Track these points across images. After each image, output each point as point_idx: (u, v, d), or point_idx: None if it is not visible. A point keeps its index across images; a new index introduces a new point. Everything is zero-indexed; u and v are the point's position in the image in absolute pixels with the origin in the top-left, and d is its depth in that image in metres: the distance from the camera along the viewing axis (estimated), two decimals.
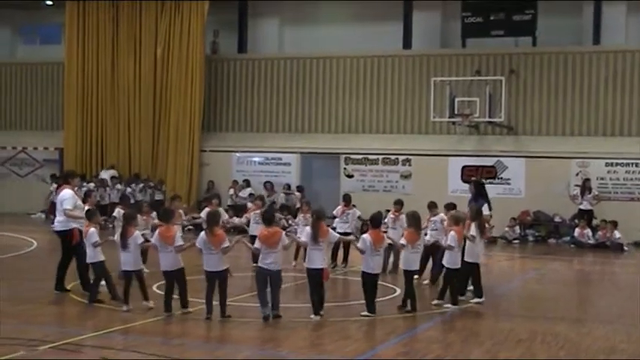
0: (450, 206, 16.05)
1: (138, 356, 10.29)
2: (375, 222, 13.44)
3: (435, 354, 10.80)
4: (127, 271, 13.26)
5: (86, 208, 15.09)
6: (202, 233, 12.73)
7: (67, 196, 14.94)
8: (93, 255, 13.90)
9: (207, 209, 16.79)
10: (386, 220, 17.33)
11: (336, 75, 30.31)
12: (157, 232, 13.21)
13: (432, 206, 17.19)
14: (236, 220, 20.82)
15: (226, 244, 12.57)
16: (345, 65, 30.20)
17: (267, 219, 12.99)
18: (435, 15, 29.72)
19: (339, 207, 19.21)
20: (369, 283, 13.08)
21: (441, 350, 11.04)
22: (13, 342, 10.72)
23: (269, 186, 29.09)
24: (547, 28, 27.66)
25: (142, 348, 10.74)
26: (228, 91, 31.73)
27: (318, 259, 12.75)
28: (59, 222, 15.05)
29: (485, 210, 16.02)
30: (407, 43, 29.77)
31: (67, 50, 32.49)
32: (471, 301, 14.32)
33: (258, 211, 18.28)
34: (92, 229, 13.95)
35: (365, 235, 13.22)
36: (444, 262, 14.29)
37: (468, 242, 14.33)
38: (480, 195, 16.55)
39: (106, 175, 30.87)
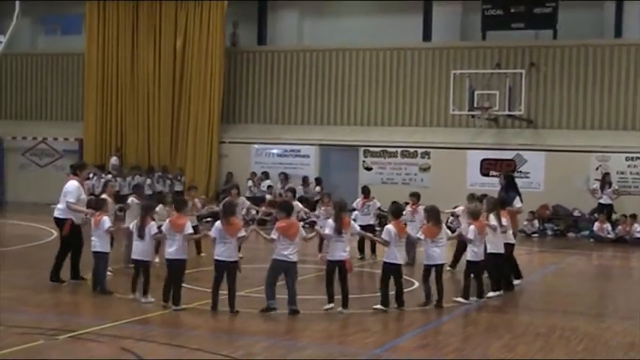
0: (484, 198, 15.89)
1: (156, 346, 10.33)
2: (395, 213, 13.41)
3: (453, 347, 10.80)
4: (136, 260, 13.36)
5: (103, 197, 15.40)
6: (218, 222, 12.69)
7: (70, 188, 15.04)
8: (100, 244, 14.02)
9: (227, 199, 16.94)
10: (404, 214, 17.27)
11: (355, 67, 30.25)
12: (167, 220, 13.22)
13: (471, 198, 17.16)
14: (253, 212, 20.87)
15: (242, 233, 12.56)
16: (364, 58, 30.14)
17: (286, 210, 12.93)
18: (455, 7, 29.59)
19: (359, 199, 19.18)
20: (392, 273, 13.01)
21: (460, 343, 11.04)
22: (34, 331, 10.80)
23: (283, 177, 29.11)
24: (568, 21, 27.48)
25: (160, 338, 10.80)
26: (247, 82, 31.74)
27: (341, 250, 12.71)
28: (59, 209, 15.15)
29: (517, 202, 16.00)
30: (427, 36, 29.70)
31: (88, 41, 32.58)
32: (489, 294, 14.26)
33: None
34: (105, 217, 14.08)
35: (389, 226, 13.15)
36: (467, 256, 14.23)
37: (490, 234, 14.31)
38: (510, 187, 16.46)
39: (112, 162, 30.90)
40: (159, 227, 13.44)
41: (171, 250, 12.82)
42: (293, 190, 20.98)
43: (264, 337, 11.18)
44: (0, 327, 11.02)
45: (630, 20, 27.61)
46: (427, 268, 13.48)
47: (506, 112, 26.45)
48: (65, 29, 35.09)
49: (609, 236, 25.02)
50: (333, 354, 10.24)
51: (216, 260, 12.54)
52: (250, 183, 29.30)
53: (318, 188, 28.17)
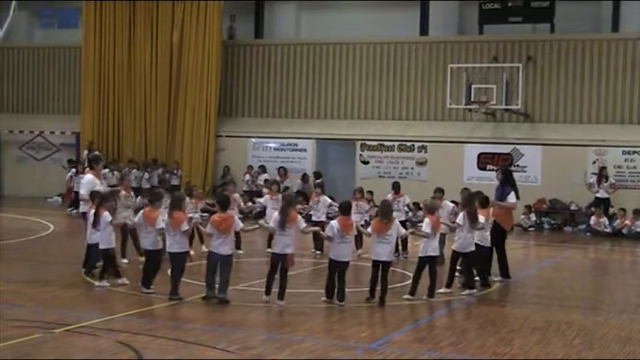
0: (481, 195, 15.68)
1: (153, 340, 10.34)
2: (344, 209, 13.22)
3: (449, 341, 10.81)
4: (100, 250, 14.05)
5: (120, 191, 16.07)
6: (165, 216, 13.13)
7: (84, 180, 15.71)
8: (89, 236, 14.42)
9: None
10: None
11: (352, 61, 30.23)
12: (141, 212, 13.61)
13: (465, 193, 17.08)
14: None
15: (185, 227, 12.85)
16: (361, 51, 30.12)
17: (222, 204, 13.05)
18: (452, 1, 29.56)
19: (390, 195, 18.99)
20: (334, 270, 12.81)
21: (456, 337, 11.04)
22: (30, 324, 10.82)
23: (282, 172, 29.07)
24: (565, 15, 27.47)
25: (157, 332, 10.82)
26: (244, 76, 31.71)
27: (284, 244, 12.64)
28: (83, 204, 15.90)
29: (511, 198, 15.84)
30: (424, 30, 29.67)
31: (84, 34, 32.51)
32: (462, 293, 13.97)
33: (316, 198, 18.51)
34: (92, 211, 14.38)
35: (333, 222, 13.09)
36: (420, 251, 13.76)
37: (457, 230, 14.22)
38: (507, 182, 16.29)
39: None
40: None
41: (147, 242, 13.36)
42: (321, 186, 20.83)
43: (260, 331, 11.22)
44: None
45: (627, 15, 27.58)
46: (375, 264, 13.08)
47: (504, 106, 26.45)
48: (62, 22, 35.07)
49: (606, 230, 25.04)
50: (330, 348, 10.25)
51: (169, 253, 13.04)
52: (247, 177, 29.27)
53: (318, 181, 28.13)
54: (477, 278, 14.61)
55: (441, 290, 13.94)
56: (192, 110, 31.06)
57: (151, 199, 13.69)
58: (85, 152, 30.97)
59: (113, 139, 32.42)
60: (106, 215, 13.83)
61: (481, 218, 14.36)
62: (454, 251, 14.26)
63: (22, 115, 34.72)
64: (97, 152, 30.98)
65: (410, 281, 13.88)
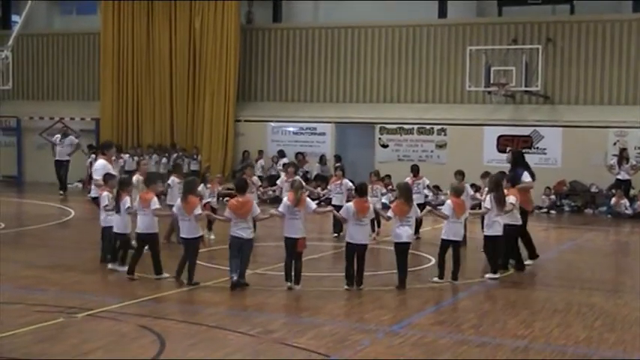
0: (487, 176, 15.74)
1: (174, 324, 10.40)
2: (360, 191, 13.04)
3: (470, 323, 10.81)
4: (115, 233, 13.98)
5: (137, 177, 15.90)
6: (178, 200, 13.09)
7: (98, 166, 15.74)
8: (104, 219, 14.40)
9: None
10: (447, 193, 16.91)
11: (371, 44, 30.14)
12: (138, 196, 13.69)
13: (485, 176, 17.01)
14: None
15: (198, 211, 12.86)
16: (380, 35, 30.01)
17: (240, 188, 12.99)
18: None
19: (408, 178, 18.94)
20: (352, 253, 12.73)
21: (477, 319, 11.04)
22: (53, 309, 10.91)
23: (300, 157, 29.04)
24: None
25: (177, 316, 10.90)
26: (263, 60, 31.68)
27: (295, 228, 12.59)
28: (93, 189, 15.95)
29: (525, 177, 15.65)
30: (442, 12, 29.52)
31: (103, 20, 32.57)
32: (486, 275, 13.98)
33: (338, 182, 18.51)
34: (105, 194, 14.40)
35: (348, 204, 13.02)
36: (442, 234, 13.72)
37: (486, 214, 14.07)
38: (518, 164, 16.16)
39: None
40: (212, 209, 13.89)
41: (142, 225, 13.30)
42: (342, 169, 20.74)
43: (281, 315, 11.26)
44: (20, 305, 11.16)
45: None
46: (397, 247, 13.00)
47: (523, 88, 26.32)
48: (81, 9, 35.21)
49: (627, 212, 24.91)
50: (351, 331, 10.26)
51: (181, 238, 13.08)
52: (262, 162, 29.31)
53: (339, 164, 28.06)
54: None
55: (488, 275, 13.91)
56: (212, 95, 31.08)
57: (147, 181, 13.85)
58: (57, 136, 30.43)
59: (133, 125, 32.51)
60: (126, 201, 13.74)
61: (512, 199, 14.23)
62: (486, 236, 14.09)
63: (41, 101, 34.87)
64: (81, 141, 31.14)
65: (429, 264, 13.85)
